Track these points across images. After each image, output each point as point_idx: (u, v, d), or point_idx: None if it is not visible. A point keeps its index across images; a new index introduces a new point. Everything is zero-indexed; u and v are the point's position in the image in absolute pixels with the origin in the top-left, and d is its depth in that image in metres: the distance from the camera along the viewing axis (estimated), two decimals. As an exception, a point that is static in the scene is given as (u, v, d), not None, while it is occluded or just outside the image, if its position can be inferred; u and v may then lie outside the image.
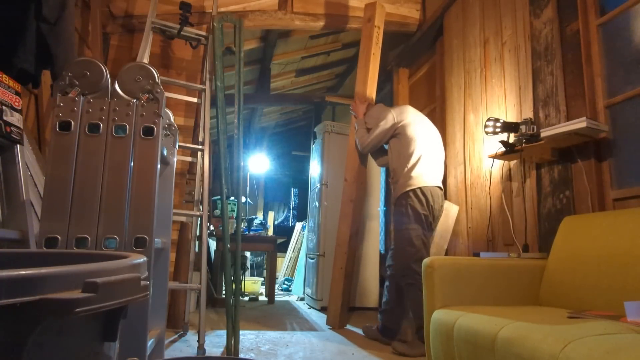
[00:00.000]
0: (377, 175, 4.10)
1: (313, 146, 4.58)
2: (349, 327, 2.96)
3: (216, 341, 2.39)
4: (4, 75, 1.35)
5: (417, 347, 2.19)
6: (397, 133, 2.57)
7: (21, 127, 1.41)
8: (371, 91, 3.05)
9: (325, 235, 3.81)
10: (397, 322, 2.46)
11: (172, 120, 1.88)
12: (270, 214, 7.86)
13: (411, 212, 2.40)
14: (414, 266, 2.29)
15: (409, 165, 2.48)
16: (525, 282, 1.76)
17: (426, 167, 2.49)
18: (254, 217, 5.05)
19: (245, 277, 5.17)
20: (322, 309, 3.68)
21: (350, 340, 2.54)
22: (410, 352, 2.20)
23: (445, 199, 2.98)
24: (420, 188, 2.43)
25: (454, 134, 2.99)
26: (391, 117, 2.59)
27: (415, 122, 2.60)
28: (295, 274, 5.67)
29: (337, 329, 2.88)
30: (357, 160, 3.01)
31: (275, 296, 4.43)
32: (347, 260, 2.96)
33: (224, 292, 3.80)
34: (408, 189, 2.44)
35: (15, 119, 1.37)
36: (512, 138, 2.19)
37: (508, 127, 2.20)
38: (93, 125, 1.29)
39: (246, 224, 4.66)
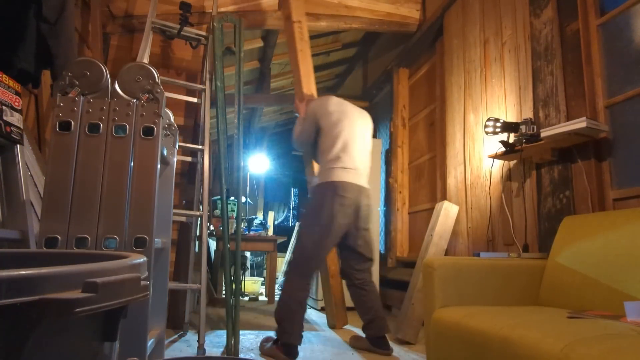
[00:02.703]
0: (377, 175, 4.09)
1: (313, 146, 4.56)
2: (349, 327, 2.96)
3: (216, 341, 2.39)
4: (4, 75, 1.35)
5: (361, 341, 2.31)
6: (319, 125, 2.35)
7: (21, 127, 1.41)
8: (309, 88, 2.95)
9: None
10: (298, 334, 2.12)
11: (172, 120, 1.88)
12: (270, 214, 7.86)
13: (325, 207, 2.18)
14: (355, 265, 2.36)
15: (328, 158, 2.25)
16: (525, 282, 1.76)
17: (346, 161, 2.24)
18: (254, 217, 5.05)
19: (245, 277, 5.17)
20: (322, 309, 3.68)
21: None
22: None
23: (445, 199, 2.98)
24: (339, 182, 2.19)
25: (454, 134, 2.99)
26: (311, 108, 2.43)
27: (336, 113, 2.34)
28: (295, 274, 5.65)
29: (336, 329, 2.88)
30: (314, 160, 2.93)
31: (275, 296, 4.43)
32: (335, 259, 2.97)
33: (224, 292, 3.80)
34: (326, 180, 2.22)
35: (15, 119, 1.37)
36: (512, 138, 2.19)
37: (508, 127, 2.20)
38: (93, 125, 1.29)
39: (246, 224, 4.66)
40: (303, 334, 2.16)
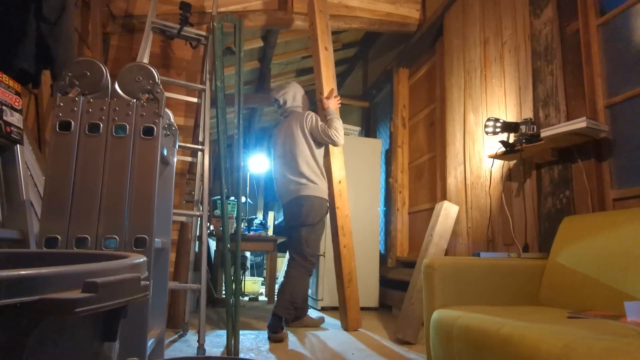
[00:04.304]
0: (377, 175, 4.09)
1: (313, 146, 4.56)
2: (362, 330, 2.93)
3: (216, 341, 2.39)
4: (4, 75, 1.35)
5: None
6: None
7: (21, 127, 1.41)
8: (318, 85, 3.21)
9: (326, 235, 3.80)
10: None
11: (172, 120, 1.88)
12: (270, 214, 7.85)
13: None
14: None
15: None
16: (525, 282, 1.76)
17: (279, 177, 2.89)
18: (254, 217, 5.05)
19: (245, 277, 5.17)
20: (322, 309, 3.68)
21: (350, 340, 2.54)
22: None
23: (445, 199, 2.98)
24: (280, 196, 2.88)
25: (454, 134, 2.99)
26: None
27: (274, 136, 3.01)
28: (295, 274, 5.65)
29: (349, 330, 2.83)
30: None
31: (275, 296, 4.42)
32: (335, 259, 2.96)
33: (224, 292, 3.79)
34: None
35: (15, 119, 1.37)
36: (512, 138, 2.19)
37: (508, 127, 2.20)
38: (93, 125, 1.29)
39: (246, 224, 4.66)
40: (304, 333, 2.20)
